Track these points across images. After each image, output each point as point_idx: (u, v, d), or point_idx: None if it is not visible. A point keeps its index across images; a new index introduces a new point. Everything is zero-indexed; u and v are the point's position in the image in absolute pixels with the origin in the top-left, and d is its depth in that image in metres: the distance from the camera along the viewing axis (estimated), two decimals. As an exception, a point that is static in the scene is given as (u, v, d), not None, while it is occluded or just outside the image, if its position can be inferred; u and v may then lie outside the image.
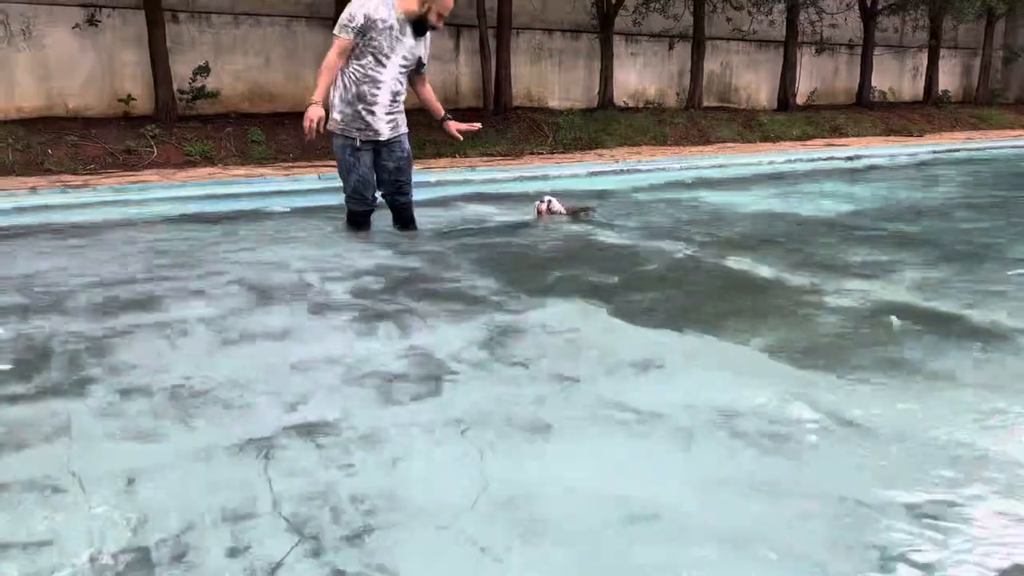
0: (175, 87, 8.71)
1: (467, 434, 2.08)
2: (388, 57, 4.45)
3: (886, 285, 3.63)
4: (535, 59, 11.79)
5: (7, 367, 2.55)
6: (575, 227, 5.10)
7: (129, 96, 8.74)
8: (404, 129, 4.72)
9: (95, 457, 1.95)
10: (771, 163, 9.26)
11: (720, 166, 8.86)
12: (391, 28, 4.42)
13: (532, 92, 11.81)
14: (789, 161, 9.42)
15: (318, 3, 9.80)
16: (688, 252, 4.34)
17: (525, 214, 5.45)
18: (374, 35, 4.38)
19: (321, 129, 4.34)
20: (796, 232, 5.01)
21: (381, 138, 4.57)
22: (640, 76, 12.91)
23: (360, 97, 4.46)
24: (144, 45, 8.60)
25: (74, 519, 1.68)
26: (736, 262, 4.10)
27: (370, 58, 4.43)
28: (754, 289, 3.61)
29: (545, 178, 7.68)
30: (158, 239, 4.62)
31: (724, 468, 1.93)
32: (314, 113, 4.29)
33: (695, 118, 11.86)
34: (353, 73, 4.45)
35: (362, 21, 4.35)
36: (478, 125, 4.96)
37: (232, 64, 9.48)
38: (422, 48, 4.63)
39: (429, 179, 7.08)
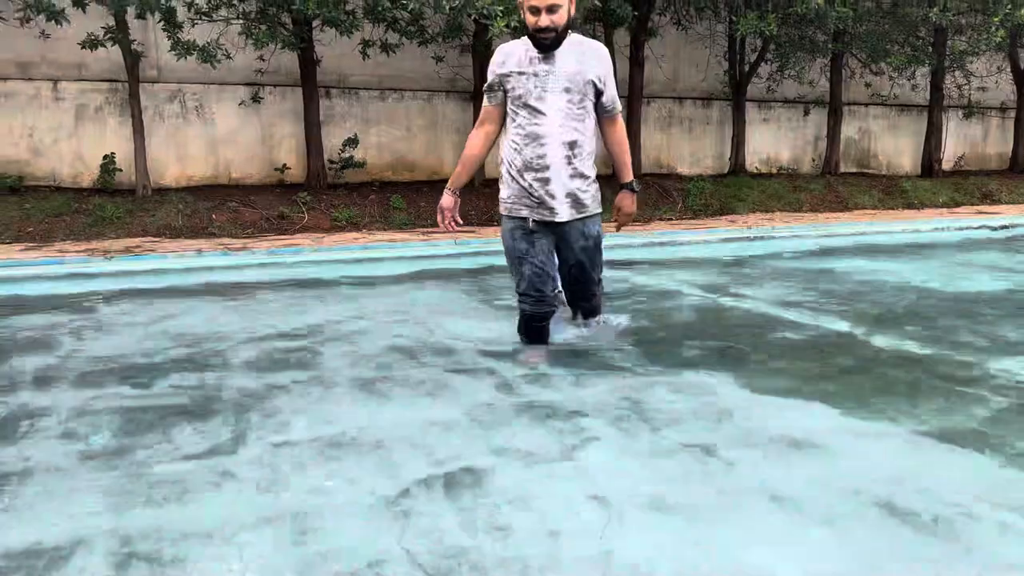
0: (326, 157, 9.36)
1: (599, 501, 2.10)
2: (542, 99, 3.38)
3: (1051, 365, 3.39)
4: (664, 126, 11.88)
5: (178, 416, 2.80)
6: (709, 294, 5.06)
7: (284, 166, 9.47)
8: (593, 208, 3.54)
9: (251, 505, 2.10)
10: (915, 231, 8.85)
11: (859, 234, 8.56)
12: (531, 62, 3.40)
13: (661, 158, 11.88)
14: (936, 229, 8.97)
15: (458, 78, 10.33)
16: (827, 325, 4.21)
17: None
18: (514, 83, 3.42)
19: (450, 224, 3.56)
20: (947, 306, 4.76)
21: (558, 219, 3.47)
22: (773, 142, 12.74)
23: (528, 165, 3.43)
24: (299, 119, 9.32)
25: (228, 564, 1.82)
26: (881, 337, 3.94)
27: (523, 113, 3.43)
28: (903, 366, 3.45)
29: (674, 244, 7.66)
30: (309, 299, 4.94)
31: (880, 555, 1.85)
32: (442, 203, 3.56)
33: (832, 184, 11.55)
34: (513, 141, 3.49)
35: (492, 77, 3.49)
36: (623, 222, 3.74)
37: (377, 136, 10.10)
38: (590, 67, 3.40)
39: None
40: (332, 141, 9.57)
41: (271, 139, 9.61)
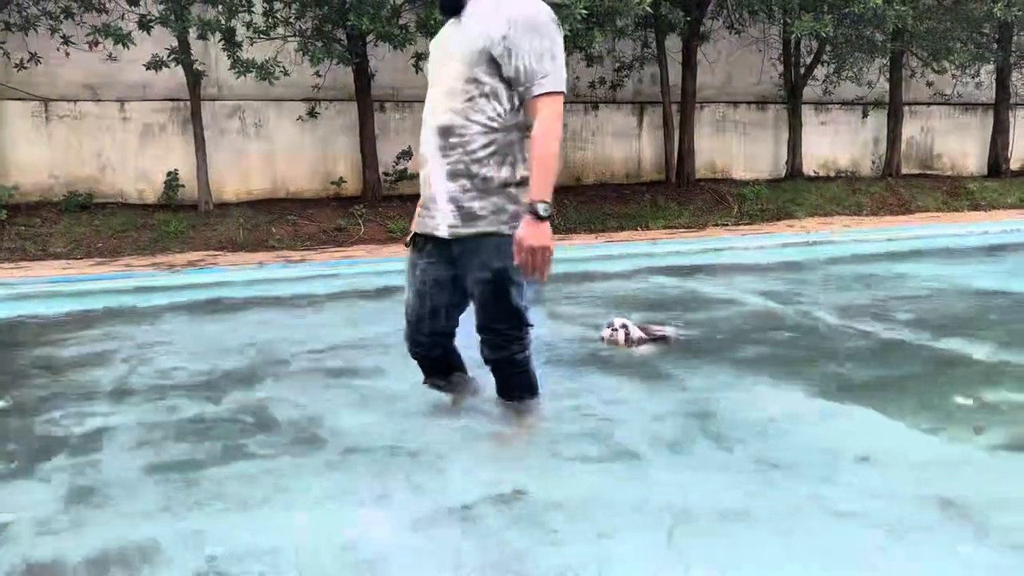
0: (380, 170, 9.50)
1: (658, 517, 2.08)
2: (437, 71, 2.61)
3: None
4: (718, 131, 11.74)
5: (241, 428, 2.87)
6: (768, 303, 4.97)
7: (340, 179, 9.65)
8: (495, 226, 2.51)
9: (311, 519, 2.11)
10: (983, 234, 8.57)
11: (922, 237, 8.32)
12: (445, 28, 2.65)
13: (715, 163, 11.73)
14: (1005, 232, 8.67)
15: (509, 88, 10.38)
16: (892, 332, 4.10)
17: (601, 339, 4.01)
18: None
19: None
20: (1018, 311, 4.59)
21: (438, 233, 2.59)
22: (831, 144, 12.47)
23: (421, 158, 2.68)
24: (355, 133, 9.47)
25: None
26: (948, 344, 3.82)
27: None
28: (972, 376, 3.34)
29: (731, 250, 7.56)
30: (368, 309, 5.02)
31: (946, 568, 1.80)
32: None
33: (893, 187, 11.26)
34: None
35: None
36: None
37: (430, 147, 10.20)
38: (489, 29, 2.44)
39: (612, 252, 7.22)
40: (386, 154, 9.71)
41: (327, 153, 9.80)
